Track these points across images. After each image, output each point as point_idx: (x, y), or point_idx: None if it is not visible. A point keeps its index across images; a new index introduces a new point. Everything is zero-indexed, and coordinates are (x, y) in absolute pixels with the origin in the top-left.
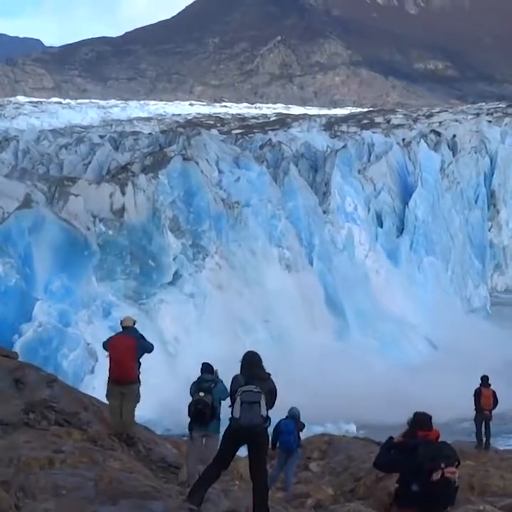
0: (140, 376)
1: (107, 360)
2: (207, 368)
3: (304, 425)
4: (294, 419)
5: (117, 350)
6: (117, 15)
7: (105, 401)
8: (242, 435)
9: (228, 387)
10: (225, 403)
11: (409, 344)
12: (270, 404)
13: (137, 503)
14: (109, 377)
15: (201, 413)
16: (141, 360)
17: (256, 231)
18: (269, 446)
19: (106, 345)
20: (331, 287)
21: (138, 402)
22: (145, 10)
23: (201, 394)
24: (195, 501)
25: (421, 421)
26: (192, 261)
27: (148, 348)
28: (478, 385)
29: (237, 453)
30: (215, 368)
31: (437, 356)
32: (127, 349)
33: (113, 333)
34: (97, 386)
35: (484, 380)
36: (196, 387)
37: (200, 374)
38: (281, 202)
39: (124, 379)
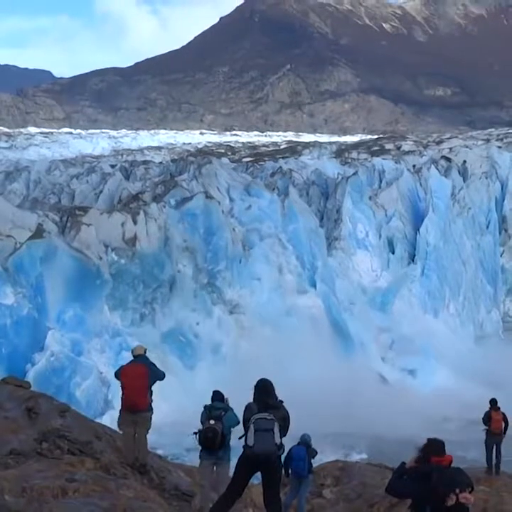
0: (152, 404)
1: (120, 388)
2: (217, 396)
3: (316, 452)
4: (305, 446)
5: (129, 378)
6: (123, 45)
7: (118, 430)
8: (256, 463)
9: (239, 415)
10: (235, 431)
11: (421, 369)
12: (284, 431)
13: None
14: (121, 406)
15: (211, 441)
16: (152, 388)
17: (263, 258)
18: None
19: (118, 374)
20: (335, 309)
21: (149, 429)
22: (150, 40)
23: (212, 422)
24: None
25: (435, 447)
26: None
27: (160, 376)
28: (488, 408)
29: (251, 480)
30: (226, 396)
31: (448, 381)
32: (139, 377)
33: (125, 362)
34: (110, 415)
35: (493, 402)
36: (207, 414)
37: (210, 402)
38: (282, 225)
39: (137, 407)
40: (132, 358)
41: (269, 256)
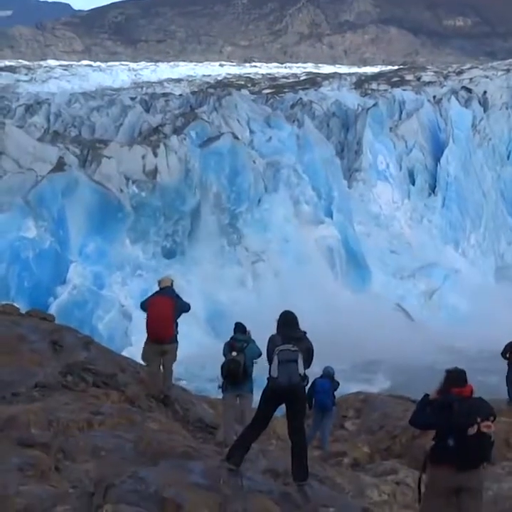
0: (178, 336)
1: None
2: (240, 328)
3: (338, 384)
4: (329, 378)
5: (156, 310)
6: None
7: (141, 362)
8: (281, 394)
9: (261, 347)
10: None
11: (436, 301)
12: (308, 363)
13: (176, 464)
14: (147, 338)
15: (234, 373)
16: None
17: (284, 192)
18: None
19: (144, 306)
20: (352, 239)
21: (174, 361)
22: None
23: (234, 354)
24: (235, 461)
25: (455, 377)
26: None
27: (186, 308)
28: (510, 341)
29: (274, 412)
30: (247, 329)
31: (463, 314)
32: (166, 309)
33: (147, 295)
34: (132, 347)
35: None
36: (229, 347)
37: (233, 334)
38: (297, 156)
39: (163, 338)
40: (158, 289)
41: (286, 188)
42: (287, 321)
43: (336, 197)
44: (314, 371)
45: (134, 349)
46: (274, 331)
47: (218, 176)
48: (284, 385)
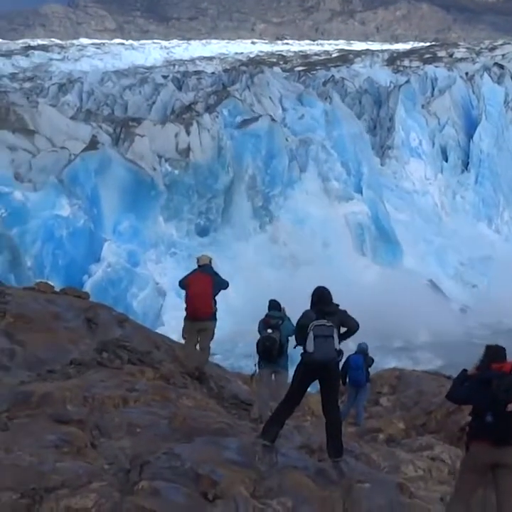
0: (216, 313)
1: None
2: (274, 305)
3: (372, 360)
4: (362, 354)
5: (195, 287)
6: None
7: (175, 339)
8: (316, 369)
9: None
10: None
11: (464, 277)
12: (348, 333)
13: (211, 440)
14: (186, 315)
15: (269, 350)
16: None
17: (313, 169)
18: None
19: (182, 283)
20: (382, 216)
21: (212, 339)
22: None
23: (269, 331)
24: (269, 437)
25: (494, 353)
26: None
27: (224, 285)
28: None
29: (308, 389)
30: (282, 305)
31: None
32: (204, 286)
33: (180, 272)
34: (166, 324)
35: None
36: (264, 324)
37: (267, 311)
38: (326, 131)
39: (202, 316)
40: (197, 267)
41: (315, 164)
42: (321, 297)
43: (366, 173)
44: (349, 347)
45: (166, 328)
46: (306, 308)
47: (254, 158)
48: (319, 360)
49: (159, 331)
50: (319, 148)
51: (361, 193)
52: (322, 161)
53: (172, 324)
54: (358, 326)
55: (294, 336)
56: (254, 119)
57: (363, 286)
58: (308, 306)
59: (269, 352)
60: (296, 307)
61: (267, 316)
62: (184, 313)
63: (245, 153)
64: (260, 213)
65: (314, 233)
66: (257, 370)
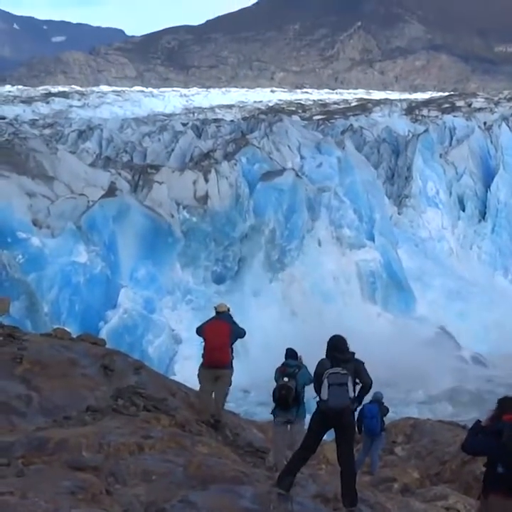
0: (233, 362)
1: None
2: (291, 354)
3: (388, 409)
4: (377, 403)
5: (212, 335)
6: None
7: (191, 386)
8: (331, 417)
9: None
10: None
11: (478, 327)
12: (365, 383)
13: (227, 488)
14: (202, 362)
15: (285, 398)
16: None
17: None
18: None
19: (199, 331)
20: (395, 263)
21: (229, 386)
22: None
23: (285, 379)
24: (285, 486)
25: (506, 405)
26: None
27: (242, 334)
28: None
29: (324, 437)
30: (299, 354)
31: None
32: (222, 334)
33: (196, 319)
34: (181, 372)
35: None
36: (280, 372)
37: (284, 359)
38: (339, 179)
39: (219, 364)
40: (214, 315)
41: (328, 212)
42: (336, 345)
43: (378, 220)
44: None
45: (181, 376)
46: (318, 357)
47: (276, 212)
48: (334, 408)
49: (174, 378)
50: (332, 195)
51: (373, 240)
52: (335, 208)
53: (187, 372)
54: (372, 382)
55: (311, 385)
56: (278, 173)
57: (375, 335)
58: (320, 356)
59: (285, 400)
60: (308, 357)
61: (283, 364)
62: (200, 360)
63: (268, 207)
64: (275, 266)
65: (325, 282)
66: (273, 419)
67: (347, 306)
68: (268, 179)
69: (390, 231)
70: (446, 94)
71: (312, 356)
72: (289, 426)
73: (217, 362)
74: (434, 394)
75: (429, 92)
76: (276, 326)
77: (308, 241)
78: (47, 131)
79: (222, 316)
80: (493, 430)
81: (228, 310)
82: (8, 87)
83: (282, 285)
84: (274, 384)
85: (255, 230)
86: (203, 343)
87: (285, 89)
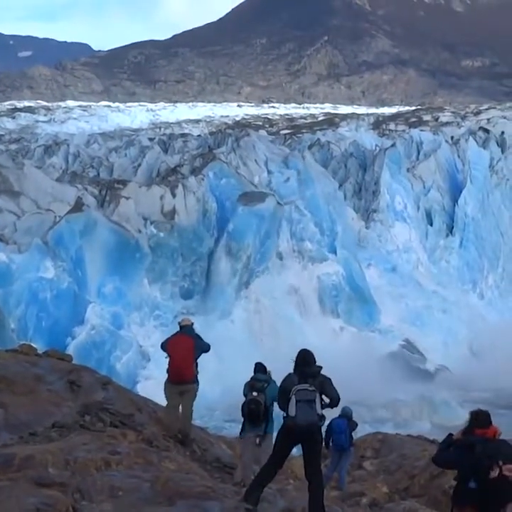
0: (198, 376)
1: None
2: (260, 368)
3: (356, 424)
4: (346, 418)
5: (176, 350)
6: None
7: (159, 402)
8: (298, 433)
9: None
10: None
11: (444, 340)
12: (332, 397)
13: (194, 504)
14: (167, 377)
15: (254, 413)
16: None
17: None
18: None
19: (164, 346)
20: (357, 275)
21: (194, 401)
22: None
23: (254, 393)
24: (252, 501)
25: (478, 418)
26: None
27: (206, 348)
28: None
29: (291, 452)
30: (268, 369)
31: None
32: (186, 349)
33: (164, 335)
34: (150, 387)
35: None
36: (249, 387)
37: (253, 374)
38: (298, 191)
39: (184, 379)
40: (178, 329)
41: (289, 225)
42: (305, 357)
43: (340, 232)
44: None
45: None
46: (278, 372)
47: (254, 238)
48: (301, 425)
49: (142, 393)
50: (292, 208)
51: (335, 253)
52: (295, 221)
53: (154, 387)
54: (339, 398)
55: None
56: (259, 198)
57: (338, 348)
58: (280, 371)
59: (254, 415)
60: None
61: (252, 379)
62: (166, 376)
63: (248, 232)
64: (241, 282)
65: (288, 296)
66: (240, 433)
67: (308, 321)
68: (248, 202)
69: (353, 243)
70: (414, 108)
71: (273, 372)
72: (258, 440)
73: (181, 376)
74: (398, 407)
75: (396, 107)
76: (238, 342)
77: (271, 255)
78: (13, 147)
79: (186, 330)
80: (465, 444)
81: (192, 324)
82: None
83: (246, 302)
84: (243, 398)
85: (231, 253)
86: (168, 358)
87: (252, 104)
